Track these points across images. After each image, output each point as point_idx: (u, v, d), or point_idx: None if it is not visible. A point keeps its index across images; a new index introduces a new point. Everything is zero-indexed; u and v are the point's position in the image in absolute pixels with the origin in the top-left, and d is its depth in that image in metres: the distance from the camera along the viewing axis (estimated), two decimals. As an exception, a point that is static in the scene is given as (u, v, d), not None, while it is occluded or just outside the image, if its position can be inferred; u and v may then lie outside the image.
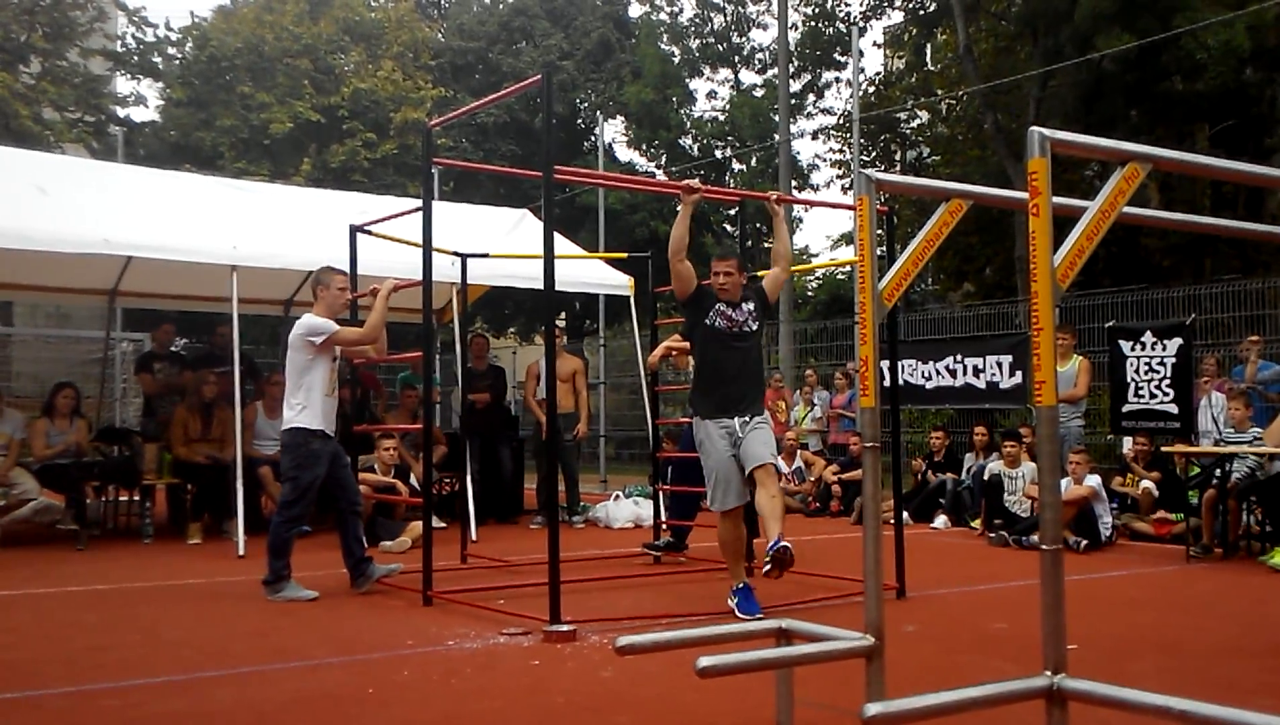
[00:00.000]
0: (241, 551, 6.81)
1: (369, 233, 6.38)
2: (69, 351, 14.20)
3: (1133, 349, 8.63)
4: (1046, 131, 2.68)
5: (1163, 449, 8.25)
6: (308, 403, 5.33)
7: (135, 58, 20.22)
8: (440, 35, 24.20)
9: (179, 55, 20.44)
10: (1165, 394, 8.38)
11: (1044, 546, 2.62)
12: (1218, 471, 7.14)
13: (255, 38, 19.39)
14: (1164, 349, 8.41)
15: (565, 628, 4.38)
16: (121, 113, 20.28)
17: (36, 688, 3.56)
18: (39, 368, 13.69)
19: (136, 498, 8.29)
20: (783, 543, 4.70)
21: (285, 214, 8.80)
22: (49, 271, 8.57)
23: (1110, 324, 9.37)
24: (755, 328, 5.09)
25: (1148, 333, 8.62)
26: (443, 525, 8.26)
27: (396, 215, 6.36)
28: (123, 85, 21.75)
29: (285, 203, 9.50)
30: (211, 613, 5.00)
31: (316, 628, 4.64)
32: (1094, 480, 7.48)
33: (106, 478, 8.17)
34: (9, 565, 6.46)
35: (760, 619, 4.60)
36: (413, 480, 8.09)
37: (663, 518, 7.20)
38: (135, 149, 18.86)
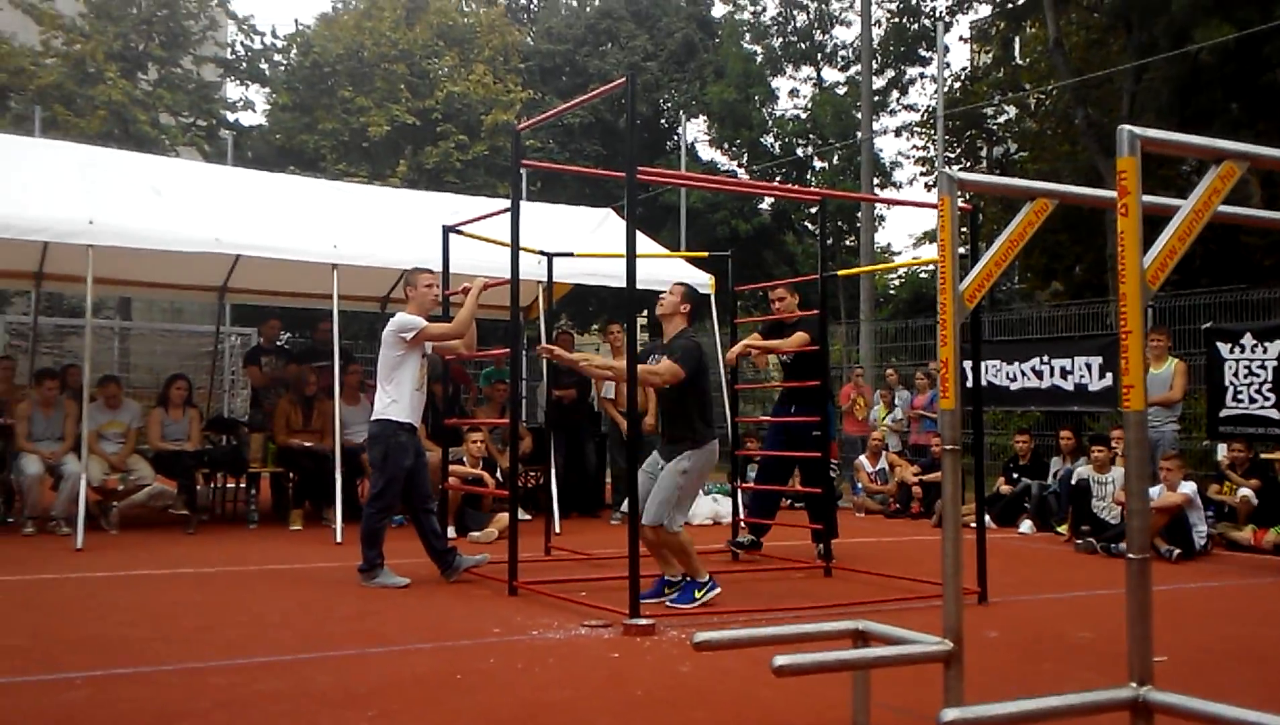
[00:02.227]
0: (339, 538, 7.10)
1: (460, 233, 6.58)
2: (182, 345, 14.90)
3: (1231, 351, 8.30)
4: (1137, 130, 2.64)
5: (1262, 456, 7.92)
6: (398, 396, 5.52)
7: (244, 65, 21.09)
8: (529, 39, 24.59)
9: (284, 62, 21.26)
10: (1266, 399, 8.04)
11: (1130, 555, 2.58)
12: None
13: (355, 43, 20.04)
14: (1264, 352, 8.06)
15: (645, 621, 4.47)
16: (231, 117, 21.17)
17: (149, 664, 3.79)
18: (154, 360, 14.40)
19: (243, 485, 8.70)
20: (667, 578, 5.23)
21: (382, 214, 9.11)
22: (164, 269, 9.07)
23: (1207, 325, 9.02)
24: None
25: (1247, 334, 8.28)
26: (528, 518, 8.47)
27: (486, 216, 6.56)
28: (232, 91, 22.71)
29: (382, 204, 9.83)
30: (311, 597, 5.24)
31: (408, 614, 4.83)
32: (1189, 487, 7.23)
33: (215, 466, 8.56)
34: (125, 547, 6.86)
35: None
36: (499, 473, 8.30)
37: (741, 515, 7.26)
38: (243, 152, 19.69)
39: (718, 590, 5.15)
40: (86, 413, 7.10)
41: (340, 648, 4.12)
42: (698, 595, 5.11)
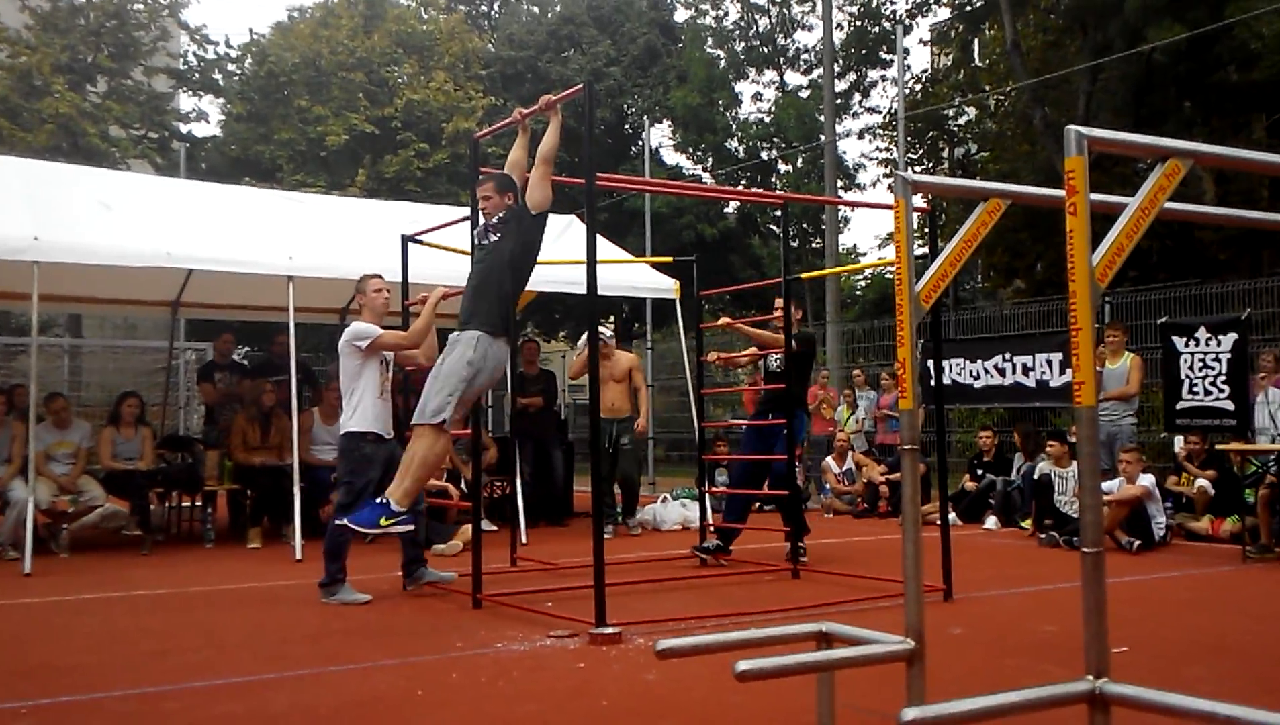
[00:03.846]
0: (299, 556, 6.99)
1: (420, 242, 6.51)
2: (135, 361, 14.65)
3: (1186, 345, 8.45)
4: (1084, 130, 2.66)
5: (1217, 447, 8.06)
6: (360, 406, 5.50)
7: (197, 75, 20.82)
8: (490, 45, 24.52)
9: (239, 71, 21.00)
10: (1220, 391, 8.19)
11: (1085, 549, 2.60)
12: (1275, 468, 6.96)
13: (312, 52, 19.85)
14: (1218, 344, 8.22)
15: (611, 630, 4.43)
16: (184, 129, 20.90)
17: (100, 690, 3.69)
18: (106, 378, 14.13)
19: (199, 503, 8.54)
20: (382, 500, 4.73)
21: (340, 225, 9.01)
22: (114, 285, 8.88)
23: (1163, 320, 9.17)
24: (495, 240, 5.01)
25: (1201, 328, 8.43)
26: (494, 528, 8.39)
27: (446, 224, 6.50)
28: (185, 102, 22.45)
29: (340, 214, 9.72)
30: (269, 616, 5.15)
31: (369, 631, 4.76)
32: (1147, 479, 7.34)
33: (170, 484, 8.40)
34: (77, 570, 6.71)
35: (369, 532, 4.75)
36: (464, 484, 8.22)
37: (709, 519, 7.24)
38: (197, 164, 19.42)
39: (410, 527, 4.89)
40: (34, 433, 6.93)
41: (300, 667, 4.04)
42: (384, 523, 4.74)
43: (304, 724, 3.28)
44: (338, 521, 5.43)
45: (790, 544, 6.58)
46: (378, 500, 4.84)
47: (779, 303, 6.75)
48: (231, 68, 21.06)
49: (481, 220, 5.18)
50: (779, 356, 6.70)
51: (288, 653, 4.33)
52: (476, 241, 5.19)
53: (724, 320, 7.13)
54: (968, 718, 2.43)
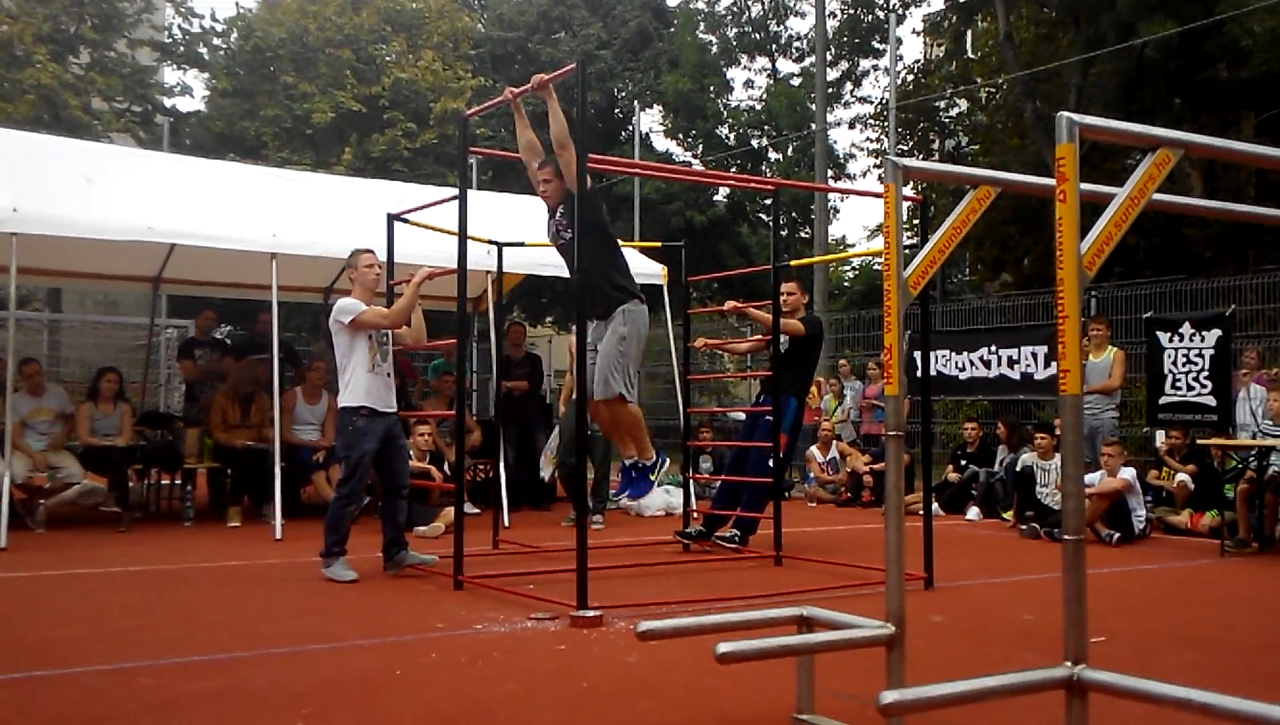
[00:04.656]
0: (279, 535, 6.95)
1: (406, 221, 6.45)
2: (115, 337, 14.52)
3: (1170, 340, 8.51)
4: (1075, 117, 2.65)
5: (1199, 442, 8.12)
6: (350, 382, 5.51)
7: (181, 48, 20.59)
8: (480, 25, 24.34)
9: (224, 46, 20.78)
10: (1203, 386, 8.25)
11: (1066, 537, 2.60)
12: (1254, 464, 7.01)
13: (298, 28, 19.65)
14: (1202, 341, 8.28)
15: (592, 613, 4.42)
16: (168, 103, 20.64)
17: (75, 666, 3.66)
18: (85, 353, 14.02)
19: (178, 481, 8.47)
20: (630, 463, 5.35)
21: (325, 203, 8.92)
22: (96, 259, 8.77)
23: (1148, 315, 9.23)
24: (570, 237, 5.11)
25: (1186, 324, 8.49)
26: (476, 511, 8.37)
27: (433, 204, 6.42)
28: (169, 76, 22.24)
29: (325, 192, 9.63)
30: (248, 595, 5.12)
31: (349, 610, 4.73)
32: (1128, 472, 7.39)
33: (149, 461, 8.33)
34: (54, 547, 6.65)
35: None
36: (447, 467, 8.19)
37: (693, 505, 7.23)
38: (181, 139, 19.21)
39: (667, 460, 5.53)
40: (10, 404, 6.84)
41: (278, 645, 4.02)
42: (655, 478, 5.43)
43: (282, 701, 3.25)
44: (338, 495, 5.53)
45: (733, 524, 6.59)
46: (628, 467, 5.42)
47: (785, 287, 6.70)
48: (217, 42, 20.83)
49: (549, 215, 5.30)
50: (786, 340, 6.65)
51: (266, 631, 4.30)
52: (552, 240, 5.33)
53: (730, 305, 7.04)
54: (946, 702, 2.43)
